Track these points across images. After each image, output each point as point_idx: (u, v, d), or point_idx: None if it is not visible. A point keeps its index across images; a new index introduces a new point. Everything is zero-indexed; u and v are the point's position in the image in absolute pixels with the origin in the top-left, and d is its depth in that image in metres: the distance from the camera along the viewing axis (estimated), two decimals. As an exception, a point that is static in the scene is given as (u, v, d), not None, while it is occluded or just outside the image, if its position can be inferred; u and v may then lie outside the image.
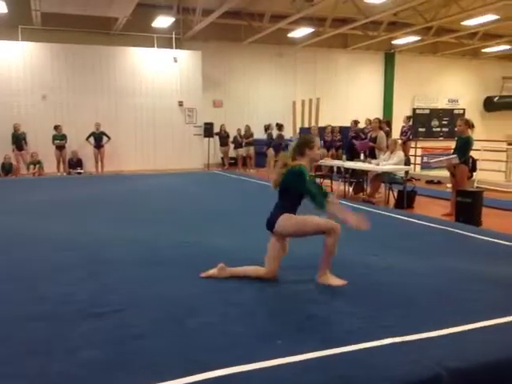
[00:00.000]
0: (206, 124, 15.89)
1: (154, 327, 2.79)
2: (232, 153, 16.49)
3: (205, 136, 15.90)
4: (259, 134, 16.02)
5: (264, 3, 14.58)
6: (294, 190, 3.53)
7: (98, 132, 14.24)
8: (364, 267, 4.04)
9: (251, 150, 15.84)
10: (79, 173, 13.89)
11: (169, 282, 3.64)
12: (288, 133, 17.19)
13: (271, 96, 18.27)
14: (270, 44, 17.62)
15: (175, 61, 15.80)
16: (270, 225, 3.56)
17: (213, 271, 3.70)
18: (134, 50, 15.56)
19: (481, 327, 2.79)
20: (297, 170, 3.47)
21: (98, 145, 14.25)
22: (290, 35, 16.75)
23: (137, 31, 15.38)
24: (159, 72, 15.73)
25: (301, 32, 16.32)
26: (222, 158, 16.53)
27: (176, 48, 16.00)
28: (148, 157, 15.63)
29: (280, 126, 13.65)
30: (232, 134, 16.14)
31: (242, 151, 16.02)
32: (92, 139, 14.23)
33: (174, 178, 12.30)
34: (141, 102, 15.59)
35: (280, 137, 13.04)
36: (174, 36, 15.89)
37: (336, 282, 3.54)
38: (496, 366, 2.42)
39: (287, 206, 3.58)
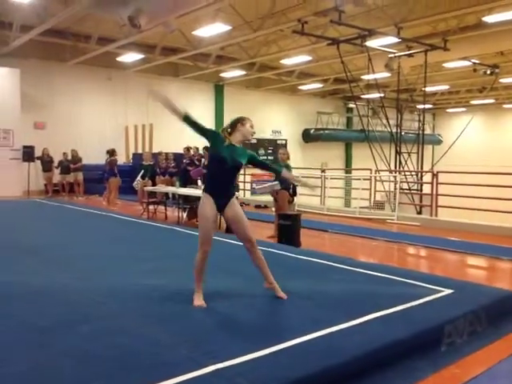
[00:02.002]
0: (25, 147, 14.51)
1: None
2: (56, 179, 15.30)
3: (24, 160, 14.48)
4: (89, 158, 15.22)
5: (91, 24, 14.09)
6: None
7: None
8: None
9: (80, 175, 14.94)
10: None
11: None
12: (121, 158, 16.70)
13: (101, 120, 17.57)
14: (98, 66, 17.03)
15: (-13, 78, 14.22)
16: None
17: None
18: None
19: (299, 343, 2.99)
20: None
21: None
22: (119, 59, 16.43)
23: None
24: (-33, 89, 13.98)
25: (130, 57, 16.14)
26: (45, 185, 15.22)
27: (-11, 64, 14.42)
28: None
29: (111, 152, 12.99)
30: (57, 158, 15.02)
31: (70, 177, 15.01)
32: None
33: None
34: None
35: (111, 162, 12.49)
36: (-15, 51, 14.32)
37: (196, 302, 3.73)
38: (309, 379, 2.60)
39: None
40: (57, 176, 15.19)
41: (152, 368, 2.65)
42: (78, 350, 2.89)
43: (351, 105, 25.20)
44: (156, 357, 2.79)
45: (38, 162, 14.89)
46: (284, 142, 23.18)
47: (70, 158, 14.95)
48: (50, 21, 12.13)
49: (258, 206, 13.35)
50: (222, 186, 3.87)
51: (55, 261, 5.45)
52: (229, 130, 3.95)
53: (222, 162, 3.77)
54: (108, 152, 12.67)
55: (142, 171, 11.49)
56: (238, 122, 3.94)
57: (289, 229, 7.10)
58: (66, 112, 16.79)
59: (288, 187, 8.20)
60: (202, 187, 4.08)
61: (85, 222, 9.24)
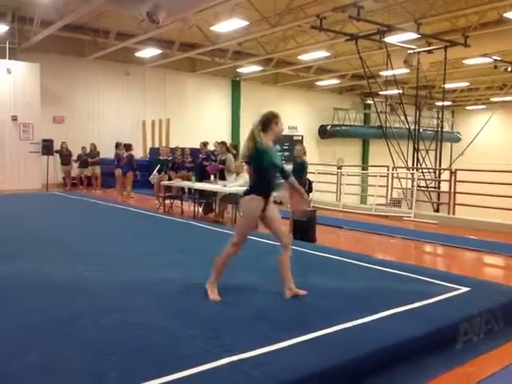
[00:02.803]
0: (44, 141, 14.72)
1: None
2: (74, 172, 15.51)
3: (43, 154, 14.70)
4: (106, 152, 15.39)
5: (109, 20, 14.22)
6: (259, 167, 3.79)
7: None
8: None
9: (97, 169, 15.12)
10: None
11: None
12: (138, 153, 16.85)
13: (119, 114, 17.74)
14: (116, 61, 17.18)
15: (8, 72, 14.44)
16: None
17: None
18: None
19: (315, 337, 3.01)
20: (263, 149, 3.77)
21: None
22: (137, 54, 16.55)
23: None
24: (-11, 83, 14.23)
25: (149, 52, 16.24)
26: (64, 178, 15.44)
27: (10, 59, 14.63)
28: (-26, 176, 13.90)
29: (128, 146, 13.19)
30: (76, 152, 15.22)
31: (88, 171, 15.20)
32: None
33: (9, 200, 11.15)
34: (-34, 115, 13.88)
35: (129, 157, 12.62)
36: (7, 46, 14.52)
37: (212, 296, 3.77)
38: (323, 374, 2.62)
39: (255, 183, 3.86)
40: (75, 169, 15.40)
41: (168, 360, 2.69)
42: (99, 342, 2.95)
43: (369, 101, 24.99)
44: (172, 349, 2.84)
45: (57, 156, 15.09)
46: (300, 137, 23.10)
47: (88, 151, 15.13)
48: (70, 16, 12.27)
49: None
50: (271, 188, 3.96)
51: (75, 253, 5.54)
52: (260, 127, 3.91)
53: (274, 168, 3.92)
54: (124, 146, 12.76)
55: (159, 166, 11.57)
56: (271, 121, 3.92)
57: (304, 225, 7.11)
58: (84, 106, 17.00)
59: (303, 184, 8.20)
60: (246, 187, 4.12)
61: (103, 216, 9.36)
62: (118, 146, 13.22)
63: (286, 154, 22.72)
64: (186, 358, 2.67)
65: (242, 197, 4.00)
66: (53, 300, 3.78)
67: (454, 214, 10.15)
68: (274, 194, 4.10)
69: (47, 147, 14.66)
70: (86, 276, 4.48)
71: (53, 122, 16.21)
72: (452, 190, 10.24)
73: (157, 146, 16.71)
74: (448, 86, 18.61)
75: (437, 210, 11.89)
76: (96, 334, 3.08)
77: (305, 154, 8.19)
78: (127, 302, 3.73)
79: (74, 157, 15.19)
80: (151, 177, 11.51)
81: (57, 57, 15.99)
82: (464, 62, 17.20)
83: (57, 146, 14.95)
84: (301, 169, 8.07)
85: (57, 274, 4.53)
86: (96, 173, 15.09)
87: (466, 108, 29.02)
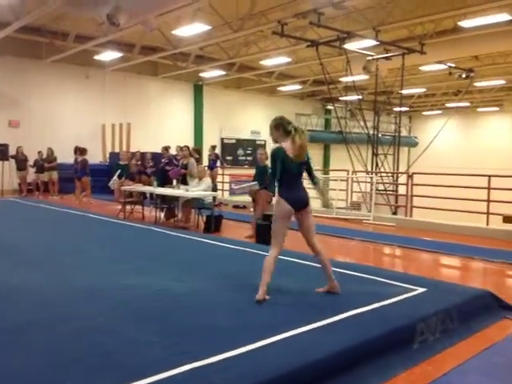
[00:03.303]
0: (-2, 145, 14.20)
1: None
2: (30, 178, 15.03)
3: (-3, 159, 14.17)
4: (64, 157, 15.00)
5: (68, 22, 13.90)
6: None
7: None
8: (171, 293, 4.07)
9: (54, 174, 14.70)
10: None
11: None
12: (97, 157, 16.51)
13: (78, 118, 17.33)
14: (75, 65, 16.81)
15: (-41, 74, 13.90)
16: (306, 202, 4.03)
17: None
18: None
19: (274, 342, 3.02)
20: None
21: None
22: (97, 57, 16.23)
23: None
24: None
25: (109, 55, 15.96)
26: (20, 184, 14.92)
27: (-38, 60, 14.09)
28: None
29: (82, 151, 12.72)
30: (32, 157, 14.75)
31: (44, 176, 14.77)
32: None
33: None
34: None
35: (83, 162, 12.29)
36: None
37: (264, 296, 3.87)
38: (284, 378, 2.62)
39: None
40: (31, 175, 14.92)
41: (127, 367, 2.64)
42: (55, 350, 2.87)
43: (329, 106, 25.41)
44: (132, 356, 2.79)
45: (13, 161, 14.58)
46: (263, 142, 23.23)
47: (44, 156, 14.70)
48: (27, 18, 11.93)
49: (236, 206, 13.36)
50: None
51: (31, 260, 5.38)
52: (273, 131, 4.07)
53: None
54: (79, 150, 12.46)
55: (119, 171, 11.36)
56: (283, 126, 4.01)
57: (267, 229, 7.11)
58: (41, 110, 16.52)
59: (267, 188, 8.23)
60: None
61: (60, 222, 9.12)
62: (76, 150, 12.89)
63: (249, 158, 22.86)
64: (145, 366, 2.63)
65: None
66: (7, 308, 3.67)
67: (411, 216, 10.43)
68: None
69: (2, 152, 14.15)
70: (41, 284, 4.35)
71: (8, 126, 15.71)
72: (409, 193, 10.52)
73: (117, 150, 16.43)
74: (405, 91, 19.15)
75: (395, 213, 12.19)
76: (52, 342, 3.00)
77: (267, 158, 8.23)
78: (85, 310, 3.64)
79: (31, 162, 14.73)
80: (111, 182, 11.27)
81: (12, 59, 15.52)
82: (421, 68, 17.77)
83: (12, 151, 14.45)
84: (264, 173, 8.10)
85: (11, 281, 4.39)
86: (53, 178, 14.66)
87: (423, 113, 29.96)
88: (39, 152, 14.73)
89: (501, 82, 20.62)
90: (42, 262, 5.29)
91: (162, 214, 9.99)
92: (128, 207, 10.40)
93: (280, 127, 4.04)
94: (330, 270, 4.14)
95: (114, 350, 2.87)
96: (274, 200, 4.05)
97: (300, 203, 4.03)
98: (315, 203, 13.26)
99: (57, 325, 3.27)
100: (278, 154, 3.95)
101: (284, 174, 3.96)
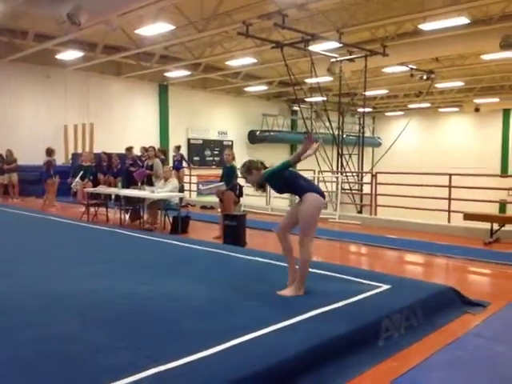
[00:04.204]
0: (-46, 148, 13.64)
1: None
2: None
3: (-46, 161, 13.61)
4: (25, 159, 14.54)
5: (28, 21, 13.48)
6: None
7: None
8: (136, 297, 3.99)
9: (14, 176, 14.18)
10: None
11: None
12: (60, 159, 16.08)
13: (39, 119, 16.85)
14: (35, 64, 16.33)
15: None
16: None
17: None
18: None
19: (239, 343, 3.00)
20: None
21: None
22: (58, 57, 15.80)
23: None
24: None
25: (70, 55, 15.56)
26: (-22, 187, 14.38)
27: None
28: None
29: (49, 152, 12.41)
30: (-10, 159, 14.24)
31: (4, 178, 14.26)
32: None
33: None
34: None
35: (47, 163, 11.95)
36: None
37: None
38: (249, 379, 2.60)
39: None
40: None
41: (93, 373, 2.58)
42: (16, 359, 2.77)
43: (295, 107, 25.60)
44: (95, 361, 2.72)
45: (-31, 163, 14.05)
46: (230, 143, 23.19)
47: (4, 158, 14.20)
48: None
49: (203, 207, 13.28)
50: None
51: (-13, 267, 5.17)
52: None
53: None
54: (47, 151, 12.13)
55: (82, 172, 11.09)
56: (253, 167, 4.41)
57: (234, 229, 7.11)
58: (0, 110, 15.97)
59: (234, 188, 8.22)
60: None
61: (21, 226, 8.83)
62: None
63: (216, 159, 22.77)
64: (110, 371, 2.57)
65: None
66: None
67: (375, 214, 10.62)
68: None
69: (-42, 154, 13.60)
70: (1, 291, 4.18)
71: (-35, 128, 15.11)
72: (373, 192, 10.70)
73: (80, 151, 16.05)
74: (369, 93, 19.47)
75: (360, 212, 12.39)
76: (12, 350, 2.88)
77: (234, 158, 8.22)
78: (47, 316, 3.52)
79: (-11, 164, 14.21)
80: (73, 184, 10.99)
81: (-32, 58, 14.96)
82: (383, 70, 18.12)
83: (-31, 153, 13.92)
84: (230, 173, 8.09)
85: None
86: (13, 180, 14.15)
87: (386, 114, 30.58)
88: (-2, 154, 14.23)
89: (460, 83, 21.27)
90: (1, 268, 5.09)
91: (127, 216, 9.82)
92: (92, 209, 10.17)
93: (252, 170, 4.32)
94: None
95: (78, 357, 2.78)
96: (309, 197, 4.12)
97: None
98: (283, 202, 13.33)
99: (18, 333, 3.16)
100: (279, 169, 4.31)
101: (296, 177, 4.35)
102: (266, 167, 4.38)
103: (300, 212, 4.15)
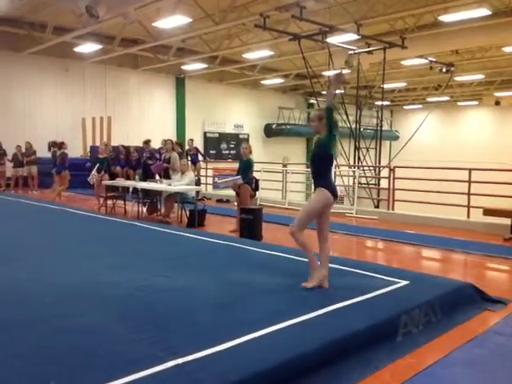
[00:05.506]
0: (-25, 140, 13.88)
1: None
2: (9, 172, 14.73)
3: (-25, 153, 13.86)
4: (44, 151, 14.74)
5: (47, 13, 13.61)
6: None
7: None
8: (153, 289, 4.02)
9: (34, 169, 14.42)
10: None
11: None
12: (78, 151, 16.27)
13: (57, 112, 17.05)
14: (54, 57, 16.50)
15: None
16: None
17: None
18: None
19: (260, 336, 3.01)
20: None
21: None
22: (76, 49, 15.94)
23: None
24: None
25: (88, 48, 15.69)
26: (-2, 179, 14.62)
27: None
28: None
29: (60, 145, 12.54)
30: (10, 151, 14.44)
31: (23, 171, 14.48)
32: None
33: None
34: None
35: (62, 156, 12.09)
36: None
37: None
38: (269, 372, 2.61)
39: None
40: (10, 169, 14.62)
41: (112, 365, 2.60)
42: (36, 350, 2.80)
43: (312, 100, 25.45)
44: (116, 354, 2.75)
45: (-9, 156, 14.29)
46: (246, 136, 23.17)
47: (23, 150, 14.41)
48: (4, 9, 11.64)
49: (219, 201, 13.31)
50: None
51: (9, 258, 5.26)
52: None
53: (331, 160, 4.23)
54: (56, 144, 12.29)
55: (98, 164, 11.18)
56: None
57: (250, 223, 7.12)
58: (19, 103, 16.20)
59: (250, 182, 8.22)
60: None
61: (40, 217, 8.96)
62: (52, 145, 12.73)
63: (233, 152, 22.79)
64: (130, 363, 2.59)
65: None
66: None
67: (393, 209, 10.52)
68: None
69: (-21, 146, 13.84)
70: (20, 281, 4.26)
71: (-15, 120, 15.35)
72: (391, 187, 10.60)
73: (98, 144, 16.20)
74: (387, 86, 19.28)
75: (377, 206, 12.29)
76: (32, 341, 2.92)
77: (250, 152, 8.20)
78: (67, 308, 3.57)
79: (9, 156, 14.43)
80: (90, 177, 11.08)
81: (-11, 51, 15.16)
82: (402, 62, 17.90)
83: (-10, 146, 14.15)
84: (247, 167, 8.08)
85: (-12, 279, 4.28)
86: (32, 172, 14.38)
87: (404, 107, 30.24)
88: (17, 146, 14.43)
89: (480, 76, 20.91)
90: (21, 259, 5.18)
91: (145, 209, 9.89)
92: (110, 202, 10.27)
93: (323, 118, 4.17)
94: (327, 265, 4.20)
95: (98, 349, 2.81)
96: (320, 191, 4.13)
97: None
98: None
99: (36, 325, 3.19)
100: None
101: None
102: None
103: (307, 201, 4.17)
